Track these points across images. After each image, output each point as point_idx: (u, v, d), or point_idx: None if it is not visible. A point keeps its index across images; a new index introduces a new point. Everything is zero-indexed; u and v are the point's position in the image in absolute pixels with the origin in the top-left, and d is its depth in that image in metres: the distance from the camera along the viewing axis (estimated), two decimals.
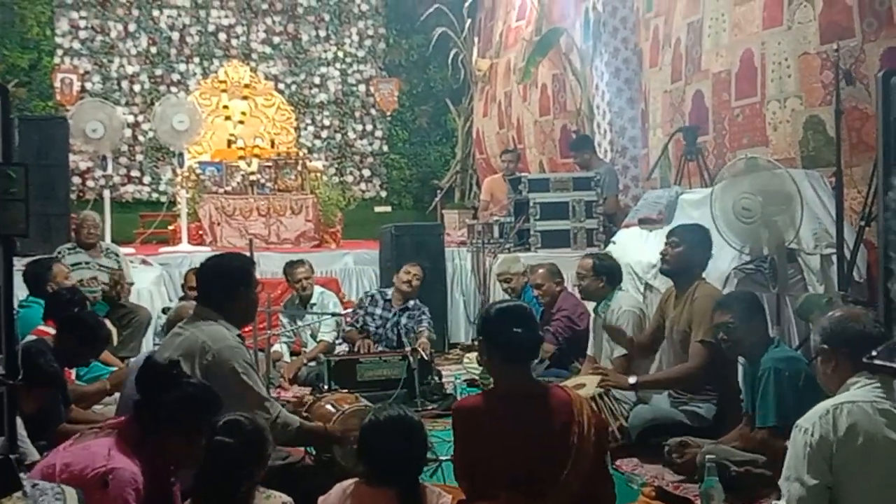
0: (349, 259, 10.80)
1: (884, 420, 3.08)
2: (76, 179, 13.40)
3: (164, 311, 8.46)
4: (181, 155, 10.98)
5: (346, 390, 5.95)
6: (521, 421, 3.41)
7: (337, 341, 8.41)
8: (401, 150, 15.95)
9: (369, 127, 15.84)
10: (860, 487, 3.06)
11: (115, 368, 6.48)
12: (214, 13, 15.14)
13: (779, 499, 3.18)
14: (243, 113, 13.28)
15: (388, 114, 15.77)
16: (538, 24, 12.18)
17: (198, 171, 11.76)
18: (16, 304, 4.89)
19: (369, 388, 6.51)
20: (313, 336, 8.55)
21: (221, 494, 3.24)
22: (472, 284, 10.22)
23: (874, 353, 2.20)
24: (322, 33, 15.63)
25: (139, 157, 14.68)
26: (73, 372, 6.01)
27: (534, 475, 3.35)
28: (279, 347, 8.45)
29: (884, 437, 3.06)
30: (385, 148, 15.91)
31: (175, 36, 14.97)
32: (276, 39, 15.41)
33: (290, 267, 8.67)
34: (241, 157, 12.27)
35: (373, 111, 15.81)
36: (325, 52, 15.63)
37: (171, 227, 11.84)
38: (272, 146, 12.96)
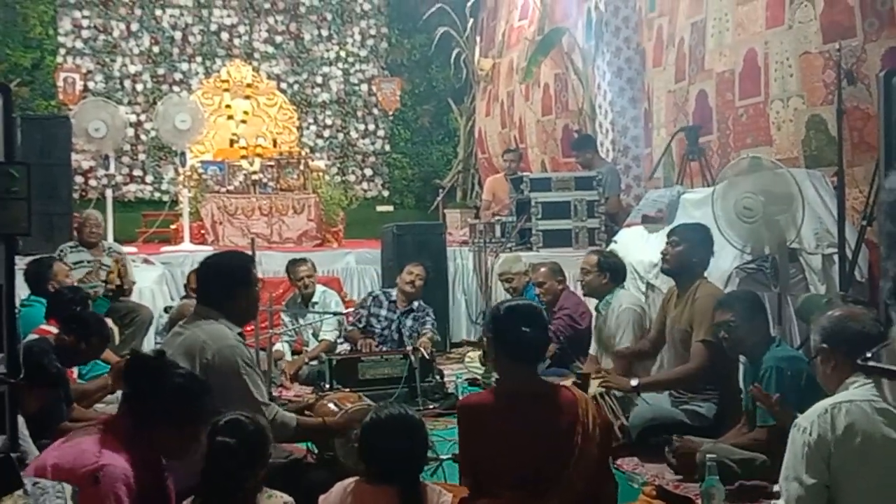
0: (351, 258, 10.80)
1: (882, 419, 3.08)
2: (79, 178, 13.41)
3: (166, 309, 8.50)
4: (183, 154, 10.98)
5: (347, 389, 5.96)
6: (525, 420, 3.42)
7: (339, 340, 8.41)
8: (403, 150, 15.95)
9: (371, 126, 15.84)
10: (858, 487, 3.06)
11: None
12: (217, 12, 15.15)
13: (778, 498, 3.19)
14: (245, 112, 13.29)
15: (391, 113, 15.77)
16: (540, 23, 12.18)
17: (200, 170, 11.77)
18: (17, 303, 4.91)
19: (371, 387, 6.51)
20: (315, 335, 8.55)
21: (224, 494, 3.24)
22: (474, 284, 10.22)
23: (868, 355, 2.20)
24: (324, 33, 15.64)
25: (141, 157, 14.69)
26: (75, 370, 6.02)
27: (538, 474, 3.36)
28: (281, 346, 8.46)
29: (882, 437, 3.06)
30: (387, 147, 15.92)
31: (177, 35, 14.98)
32: (279, 39, 15.42)
33: (292, 265, 8.67)
34: (243, 157, 12.28)
35: (375, 111, 15.82)
36: (328, 51, 15.64)
37: (173, 227, 11.86)
38: (274, 145, 12.97)
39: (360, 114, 15.79)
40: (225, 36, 15.18)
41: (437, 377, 7.29)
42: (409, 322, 8.08)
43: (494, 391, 3.70)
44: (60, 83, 14.07)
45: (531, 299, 7.34)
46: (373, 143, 15.85)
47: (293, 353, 8.59)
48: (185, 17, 15.02)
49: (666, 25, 9.33)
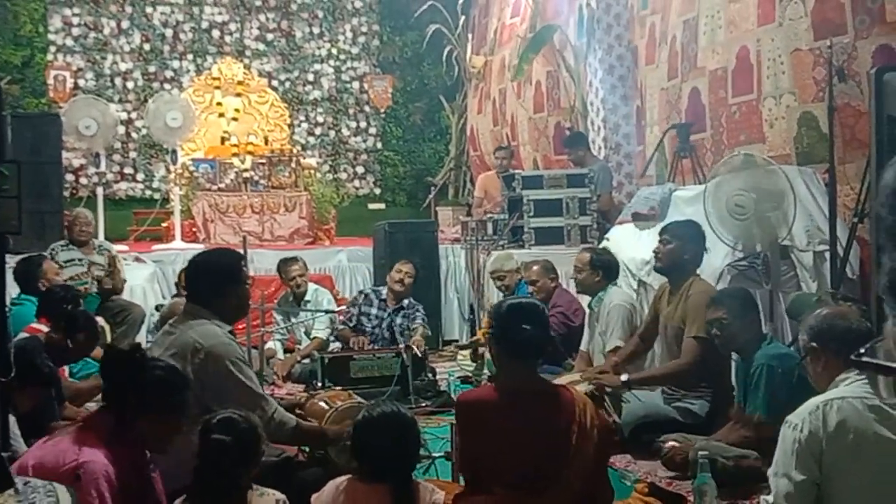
0: (343, 256, 10.79)
1: (874, 416, 3.08)
2: (69, 177, 13.37)
3: (158, 308, 8.48)
4: (174, 152, 10.95)
5: (339, 387, 5.95)
6: (522, 417, 3.43)
7: (331, 338, 8.40)
8: (395, 147, 15.95)
9: (363, 124, 15.83)
10: (850, 484, 3.06)
11: None
12: (208, 10, 15.12)
13: (768, 494, 3.19)
14: (237, 110, 13.28)
15: (382, 111, 15.76)
16: (532, 20, 12.17)
17: (191, 168, 11.75)
18: (7, 302, 4.89)
19: (363, 385, 6.51)
20: (307, 333, 8.55)
21: (217, 492, 3.23)
22: (467, 281, 10.21)
23: (861, 351, 2.20)
24: (316, 30, 15.62)
25: (132, 155, 14.66)
26: (66, 369, 6.00)
27: (533, 472, 3.37)
28: (273, 345, 8.46)
29: (874, 434, 3.06)
30: (379, 145, 15.91)
31: (168, 33, 14.96)
32: (270, 36, 15.39)
33: (283, 264, 8.66)
34: (234, 154, 12.26)
35: (367, 108, 15.81)
36: (319, 48, 15.62)
37: (164, 225, 11.83)
38: (266, 143, 12.96)
39: (351, 111, 15.78)
40: (216, 33, 15.16)
41: (430, 375, 7.29)
42: (399, 320, 8.08)
43: (493, 387, 3.70)
44: (51, 81, 14.02)
45: (505, 298, 7.36)
46: (364, 141, 15.84)
47: (285, 351, 8.60)
48: (176, 15, 14.99)
49: (658, 23, 9.33)
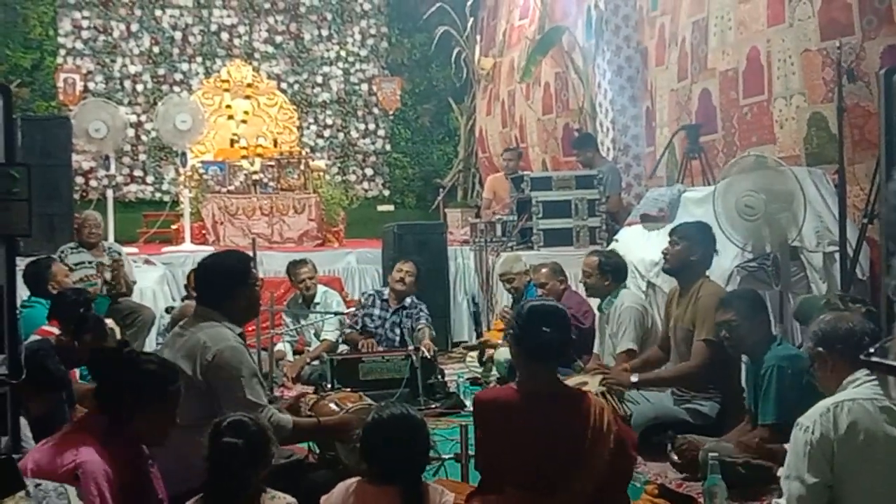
0: (352, 258, 10.80)
1: (884, 417, 3.08)
2: (79, 179, 13.40)
3: (168, 310, 8.49)
4: (184, 154, 10.98)
5: (349, 389, 5.95)
6: (537, 419, 3.44)
7: (339, 339, 8.40)
8: (403, 149, 15.95)
9: (372, 126, 15.84)
10: (861, 485, 3.06)
11: None
12: (217, 13, 15.15)
13: (780, 497, 3.18)
14: (246, 112, 13.30)
15: (391, 113, 15.77)
16: (541, 22, 12.17)
17: (201, 170, 11.78)
18: (18, 304, 4.90)
19: (372, 387, 6.50)
20: (316, 335, 8.55)
21: (228, 495, 3.24)
22: (476, 283, 10.21)
23: (871, 351, 2.20)
24: (324, 32, 15.63)
25: (142, 157, 14.69)
26: (77, 371, 6.01)
27: (546, 473, 3.37)
28: (282, 346, 8.47)
29: (885, 435, 3.06)
30: (388, 147, 15.91)
31: (178, 35, 14.98)
32: (279, 39, 15.41)
33: (293, 267, 8.67)
34: (243, 157, 12.29)
35: (375, 110, 15.81)
36: (328, 51, 15.64)
37: (174, 227, 11.86)
38: (275, 145, 12.98)
39: (360, 113, 15.78)
40: (225, 36, 15.18)
41: (439, 377, 7.29)
42: (402, 319, 8.08)
43: (511, 388, 3.70)
44: (61, 84, 14.07)
45: (527, 299, 7.35)
46: (373, 143, 15.85)
47: (295, 353, 8.60)
48: (185, 18, 15.02)
49: (668, 24, 9.33)
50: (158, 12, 14.88)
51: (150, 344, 8.05)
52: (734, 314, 4.92)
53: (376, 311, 8.16)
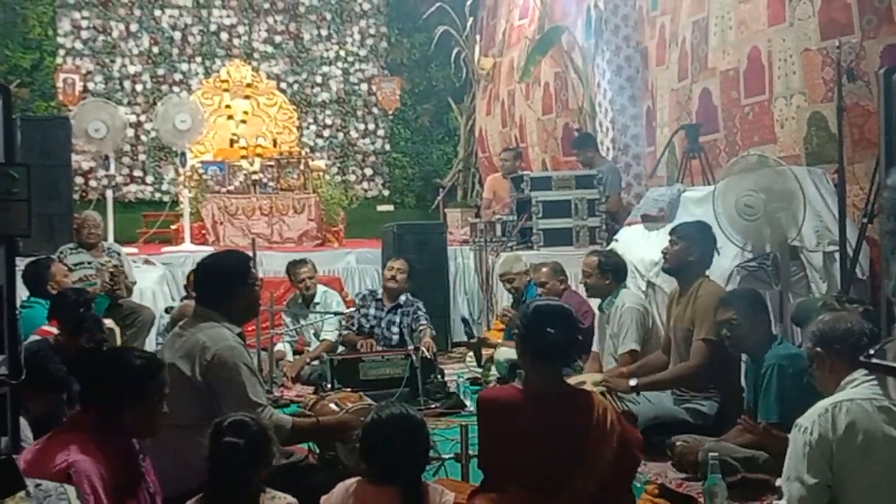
0: (352, 258, 10.80)
1: (883, 417, 3.08)
2: (79, 179, 13.39)
3: (168, 310, 8.49)
4: (183, 154, 10.99)
5: (349, 389, 5.95)
6: (541, 418, 3.45)
7: (338, 340, 8.40)
8: (403, 149, 15.94)
9: (371, 126, 15.84)
10: (861, 485, 3.06)
11: None
12: (216, 13, 15.14)
13: (780, 498, 3.19)
14: (245, 112, 13.30)
15: (391, 112, 15.76)
16: (540, 22, 12.17)
17: (200, 170, 11.78)
18: (18, 305, 4.90)
19: (372, 387, 6.50)
20: (316, 335, 8.56)
21: (229, 495, 3.24)
22: (475, 283, 10.21)
23: (871, 352, 2.20)
24: (324, 32, 15.63)
25: (142, 157, 14.68)
26: None
27: (548, 473, 3.37)
28: (282, 346, 8.47)
29: (883, 435, 3.06)
30: (387, 147, 15.91)
31: (177, 35, 14.98)
32: (278, 39, 15.41)
33: (292, 267, 8.67)
34: (243, 157, 12.29)
35: (375, 110, 15.81)
36: (327, 51, 15.63)
37: (173, 227, 11.86)
38: (274, 145, 12.98)
39: (360, 113, 15.78)
40: (224, 36, 15.17)
41: (439, 377, 7.29)
42: (398, 318, 8.08)
43: (515, 387, 3.72)
44: (60, 84, 14.07)
45: (532, 299, 7.35)
46: (373, 143, 15.85)
47: (295, 353, 8.60)
48: (185, 18, 15.01)
49: (668, 24, 9.33)
50: (158, 12, 14.88)
51: (150, 344, 8.05)
52: (734, 313, 4.92)
53: (372, 312, 8.18)
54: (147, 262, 9.85)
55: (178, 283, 9.56)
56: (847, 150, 6.29)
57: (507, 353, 6.98)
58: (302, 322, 8.58)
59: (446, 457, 4.61)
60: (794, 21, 7.21)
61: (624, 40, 10.16)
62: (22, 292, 6.58)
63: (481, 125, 14.83)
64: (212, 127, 12.72)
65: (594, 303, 6.84)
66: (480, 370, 7.85)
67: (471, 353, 8.30)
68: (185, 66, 14.96)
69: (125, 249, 9.22)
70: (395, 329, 8.05)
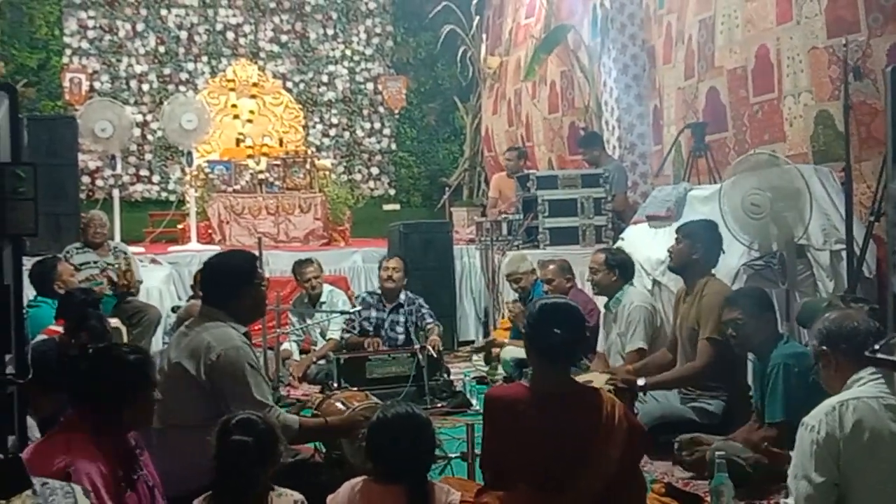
0: (358, 257, 10.79)
1: (890, 415, 3.07)
2: (85, 179, 13.43)
3: (174, 309, 8.50)
4: (190, 154, 10.99)
5: (355, 388, 5.95)
6: (549, 417, 3.44)
7: (343, 340, 8.41)
8: (409, 148, 15.95)
9: (377, 125, 15.84)
10: (868, 483, 3.05)
11: None
12: (222, 12, 15.15)
13: (787, 496, 3.18)
14: (251, 112, 13.30)
15: (397, 112, 15.76)
16: (547, 21, 12.17)
17: (206, 169, 11.78)
18: (25, 304, 4.91)
19: (378, 386, 6.51)
20: (322, 334, 8.56)
21: (237, 493, 3.25)
22: (482, 282, 10.21)
23: (876, 348, 2.20)
24: (330, 31, 15.63)
25: (148, 157, 14.70)
26: None
27: (556, 471, 3.37)
28: (288, 346, 8.47)
29: (890, 433, 3.06)
30: (393, 146, 15.91)
31: (183, 35, 14.99)
32: (284, 38, 15.42)
33: (298, 266, 8.68)
34: (249, 156, 12.29)
35: (381, 109, 15.81)
36: (333, 50, 15.64)
37: (180, 226, 11.86)
38: (280, 145, 12.98)
39: (366, 112, 15.79)
40: (230, 35, 15.19)
41: (445, 375, 7.29)
42: (401, 317, 8.09)
43: (523, 386, 3.71)
44: (66, 83, 14.09)
45: (539, 297, 7.35)
46: (379, 142, 15.85)
47: (301, 352, 8.61)
48: (191, 17, 15.03)
49: (675, 22, 9.32)
50: (164, 12, 14.89)
51: (157, 343, 8.07)
52: (741, 312, 4.91)
53: (373, 313, 8.19)
54: (153, 261, 9.85)
55: (184, 282, 9.56)
56: (854, 148, 6.28)
57: (514, 351, 6.99)
58: (308, 321, 8.58)
59: (452, 455, 4.60)
60: (802, 19, 7.20)
61: (630, 39, 10.16)
62: (29, 291, 6.59)
63: (487, 124, 14.83)
64: (218, 126, 12.73)
65: (600, 301, 6.84)
66: (487, 369, 7.85)
67: (476, 356, 8.31)
68: (191, 66, 14.98)
69: (132, 249, 9.23)
70: (399, 329, 8.06)
